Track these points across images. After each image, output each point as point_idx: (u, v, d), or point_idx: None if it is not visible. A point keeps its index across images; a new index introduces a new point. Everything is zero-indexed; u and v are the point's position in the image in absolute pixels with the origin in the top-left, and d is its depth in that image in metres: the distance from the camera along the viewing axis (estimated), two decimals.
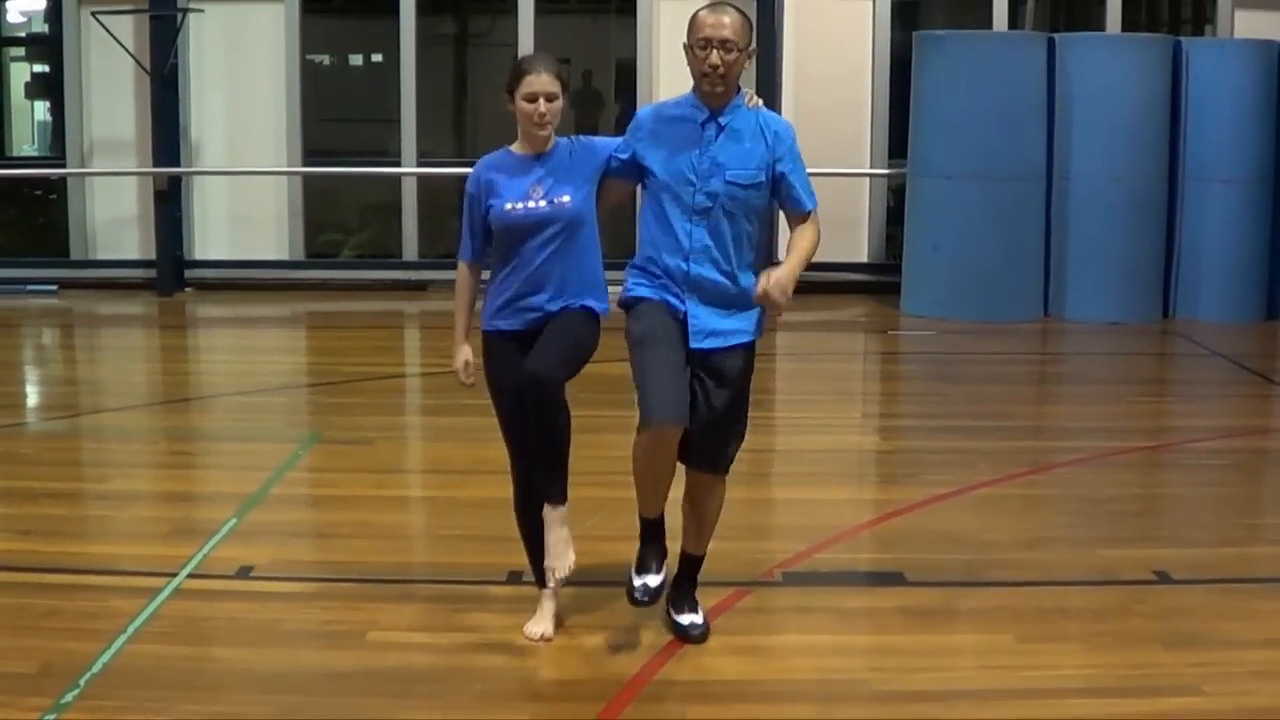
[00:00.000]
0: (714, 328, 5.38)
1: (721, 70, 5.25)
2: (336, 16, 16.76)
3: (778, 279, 5.09)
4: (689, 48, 5.32)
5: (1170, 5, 17.09)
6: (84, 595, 6.04)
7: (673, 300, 5.35)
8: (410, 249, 15.66)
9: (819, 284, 14.98)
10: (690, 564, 5.75)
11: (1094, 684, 5.25)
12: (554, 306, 5.38)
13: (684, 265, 5.32)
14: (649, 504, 5.48)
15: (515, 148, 5.52)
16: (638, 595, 5.49)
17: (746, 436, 5.66)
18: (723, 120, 5.33)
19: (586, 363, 5.42)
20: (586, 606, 6.00)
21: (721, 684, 5.29)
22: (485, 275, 5.63)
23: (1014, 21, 15.24)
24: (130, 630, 5.61)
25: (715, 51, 5.23)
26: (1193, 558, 6.72)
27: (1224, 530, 7.39)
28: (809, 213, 5.42)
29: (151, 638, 5.58)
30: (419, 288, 15.34)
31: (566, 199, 5.37)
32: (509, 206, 5.36)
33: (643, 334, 5.31)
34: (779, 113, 14.24)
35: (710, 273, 5.34)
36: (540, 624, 5.67)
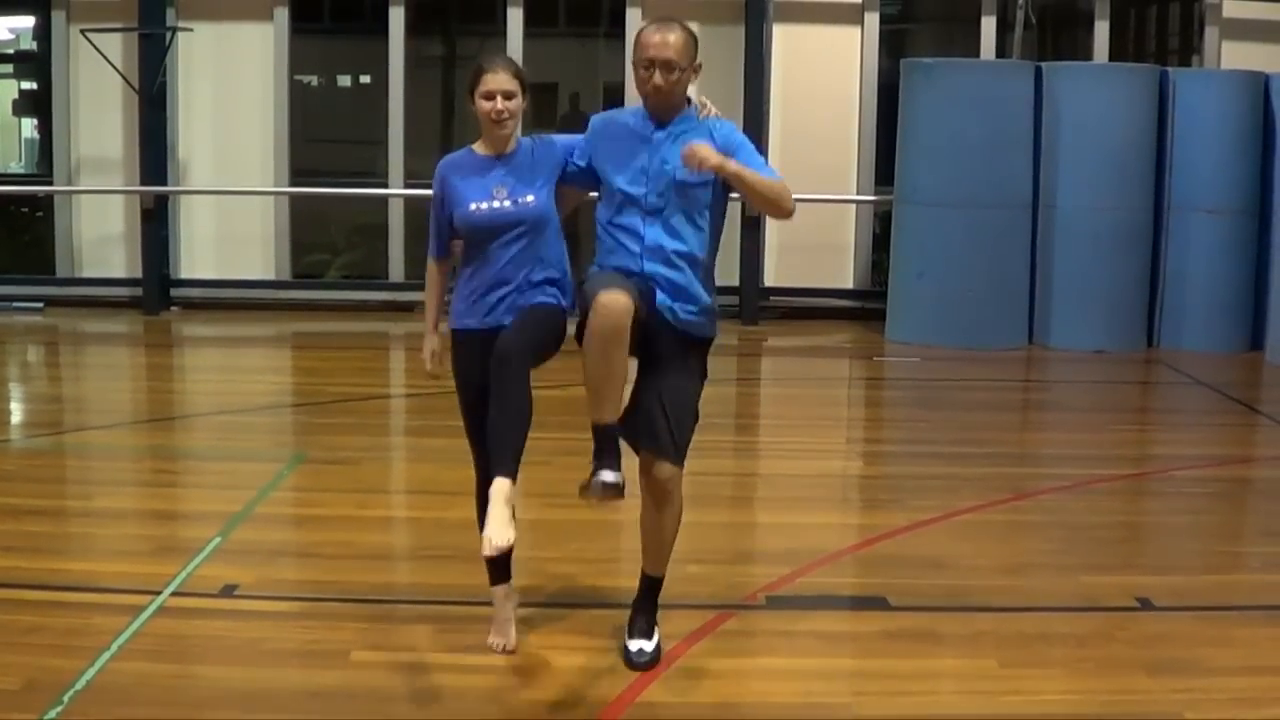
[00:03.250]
0: (671, 305, 5.39)
1: (664, 90, 5.32)
2: (325, 37, 16.78)
3: (709, 150, 5.12)
4: (635, 66, 5.37)
5: (1157, 35, 17.17)
6: (67, 612, 6.02)
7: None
8: (397, 270, 15.67)
9: (804, 309, 15.08)
10: (648, 586, 5.71)
11: (1076, 710, 5.27)
12: (520, 301, 5.41)
13: (639, 263, 5.38)
14: (602, 405, 5.24)
15: (477, 147, 5.56)
16: (593, 491, 5.24)
17: (696, 433, 5.55)
18: (673, 130, 5.40)
19: (553, 352, 5.42)
20: (569, 628, 6.02)
21: (704, 707, 5.29)
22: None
23: (1001, 50, 15.28)
24: (114, 648, 5.60)
25: (657, 72, 5.30)
26: (1175, 584, 6.74)
27: (1206, 558, 7.41)
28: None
29: (135, 655, 5.57)
30: (405, 309, 15.32)
31: (530, 199, 5.43)
32: (474, 207, 5.42)
33: (594, 278, 5.34)
34: (767, 138, 14.39)
35: (665, 270, 5.39)
36: (500, 635, 5.70)
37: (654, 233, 5.39)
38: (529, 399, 5.18)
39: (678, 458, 5.45)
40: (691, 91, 5.51)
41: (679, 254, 5.40)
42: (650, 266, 5.38)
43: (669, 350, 5.45)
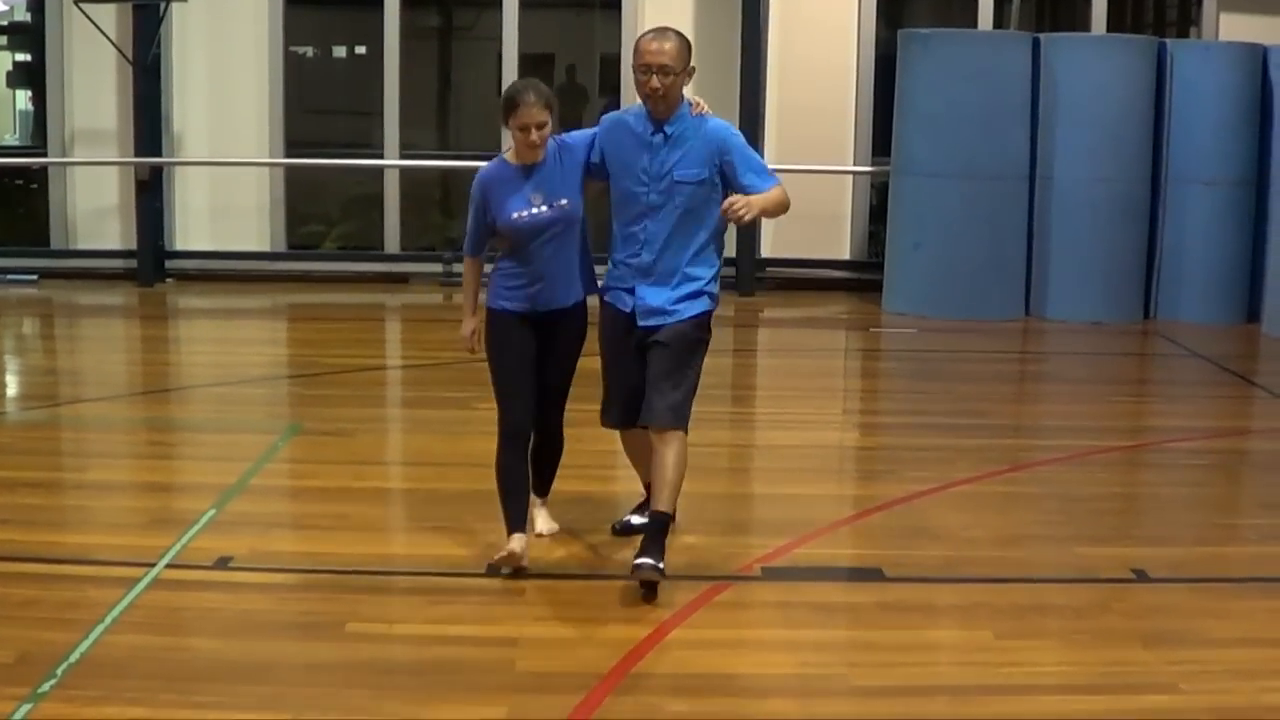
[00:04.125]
0: (658, 306, 6.15)
1: (661, 92, 6.02)
2: (320, 8, 16.69)
3: (749, 200, 5.90)
4: (634, 70, 6.09)
5: (1155, 7, 17.12)
6: (62, 585, 6.03)
7: (624, 298, 6.23)
8: (392, 242, 15.64)
9: (801, 280, 15.07)
10: (655, 520, 6.06)
11: (1071, 681, 5.26)
12: (556, 304, 6.26)
13: (639, 255, 6.17)
14: (641, 472, 6.64)
15: (510, 158, 6.24)
16: (616, 527, 6.74)
17: (694, 402, 6.24)
18: (669, 130, 6.12)
19: (580, 356, 6.41)
20: (565, 599, 6.02)
21: (699, 677, 5.28)
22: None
23: (999, 21, 15.25)
24: (108, 620, 5.59)
25: (655, 76, 6.01)
26: (1171, 556, 6.74)
27: (1202, 530, 7.41)
28: (769, 188, 6.10)
29: (129, 628, 5.56)
30: (400, 280, 15.33)
31: (565, 202, 6.17)
32: (516, 215, 6.14)
33: (603, 339, 6.36)
34: (764, 109, 14.38)
35: (664, 261, 6.15)
36: (509, 556, 6.17)
37: (656, 227, 6.13)
38: (563, 442, 6.65)
39: (678, 423, 6.10)
40: (686, 92, 6.20)
41: (680, 245, 6.14)
42: (649, 258, 6.14)
43: (667, 339, 6.14)
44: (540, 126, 6.01)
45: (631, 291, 6.20)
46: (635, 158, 6.13)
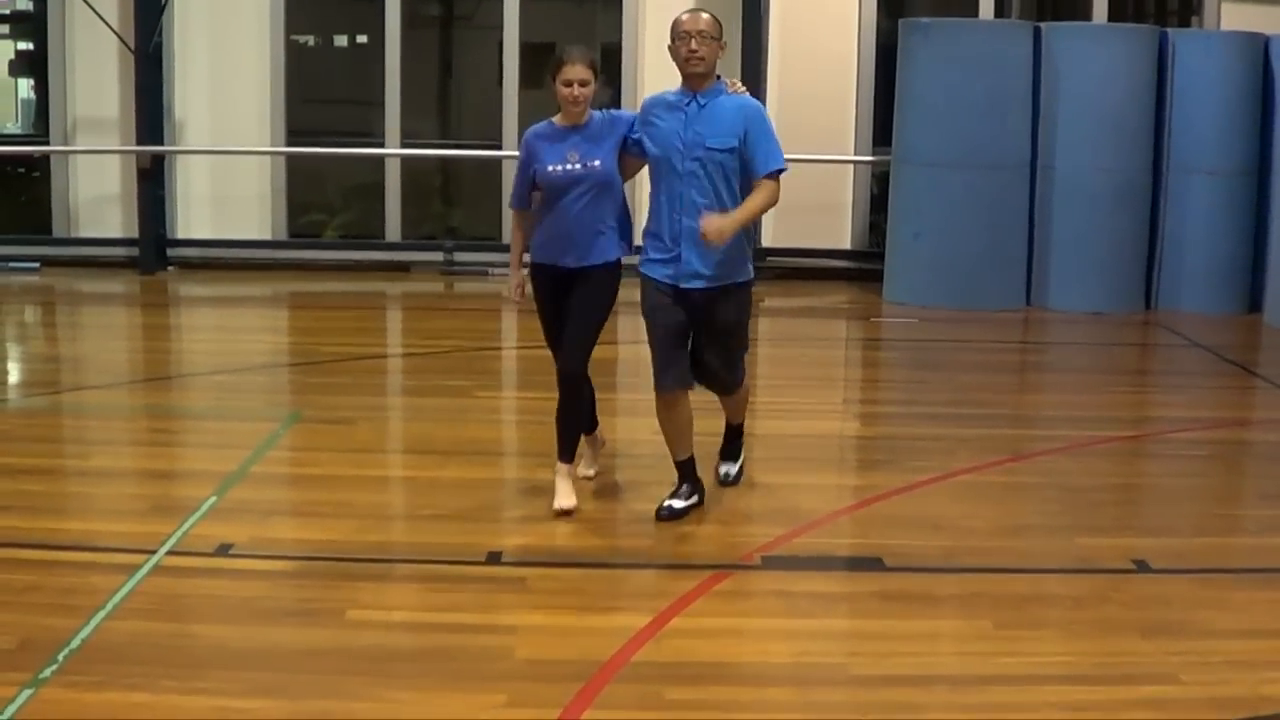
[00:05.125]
0: (700, 270, 6.53)
1: (700, 54, 6.41)
2: None
3: (719, 224, 6.28)
4: (672, 44, 6.50)
5: None
6: (63, 571, 6.04)
7: (663, 269, 6.60)
8: (393, 230, 15.64)
9: (802, 270, 15.07)
10: (731, 429, 7.35)
11: (1071, 671, 5.27)
12: (585, 262, 6.71)
13: (679, 220, 6.49)
14: (676, 449, 6.90)
15: (557, 120, 6.75)
16: (661, 513, 6.82)
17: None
18: (703, 100, 6.50)
19: (607, 318, 6.85)
20: (565, 588, 6.03)
21: (699, 666, 5.29)
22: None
23: (1000, 10, 15.23)
24: (109, 607, 5.60)
25: (694, 39, 6.41)
26: (1171, 547, 6.74)
27: (1202, 520, 7.41)
28: (767, 175, 6.49)
29: (130, 614, 5.57)
30: (401, 269, 15.33)
31: (597, 163, 6.63)
32: (551, 168, 6.64)
33: (649, 309, 6.67)
34: (764, 98, 14.35)
35: (697, 224, 6.35)
36: (562, 497, 6.85)
37: (691, 194, 6.47)
38: (590, 391, 7.08)
39: (738, 384, 7.03)
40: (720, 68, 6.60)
41: (713, 210, 6.39)
42: (687, 222, 6.44)
43: (715, 307, 6.61)
44: (583, 84, 6.55)
45: (671, 260, 6.57)
46: (672, 127, 6.51)
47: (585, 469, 7.38)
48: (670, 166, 6.51)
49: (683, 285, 6.56)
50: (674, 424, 6.79)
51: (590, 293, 6.74)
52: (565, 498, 6.85)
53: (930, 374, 10.98)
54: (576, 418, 6.94)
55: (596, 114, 6.72)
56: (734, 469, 7.39)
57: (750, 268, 6.77)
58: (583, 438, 7.17)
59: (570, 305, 6.76)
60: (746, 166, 6.50)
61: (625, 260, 6.84)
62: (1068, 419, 9.45)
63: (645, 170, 6.81)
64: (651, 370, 6.72)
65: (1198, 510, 7.63)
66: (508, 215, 9.45)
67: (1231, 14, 14.96)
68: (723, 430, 7.35)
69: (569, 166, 6.62)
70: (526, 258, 6.97)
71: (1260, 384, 10.98)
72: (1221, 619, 5.80)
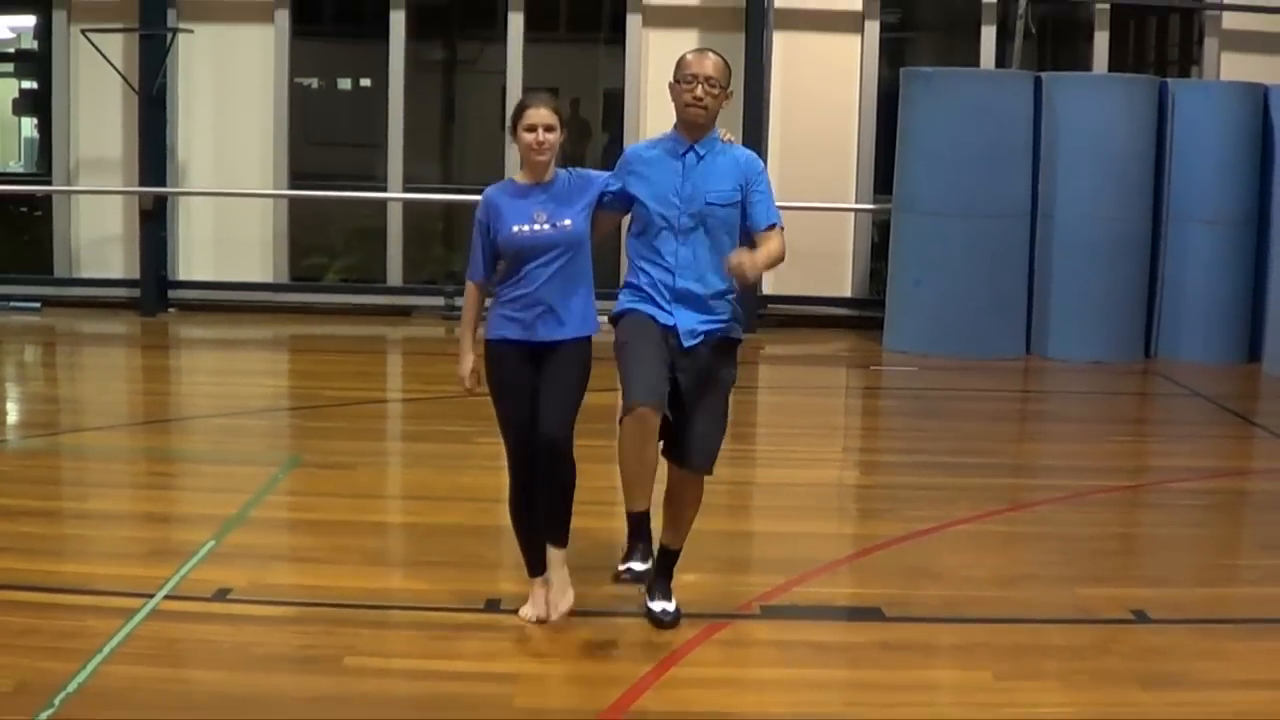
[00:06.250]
0: (697, 329, 5.90)
1: (704, 102, 5.85)
2: (326, 40, 16.77)
3: (752, 257, 5.68)
4: (675, 83, 5.94)
5: (1157, 46, 17.17)
6: (60, 614, 6.02)
7: (659, 313, 5.88)
8: (395, 274, 15.67)
9: (802, 317, 15.08)
10: (666, 556, 6.16)
11: None
12: (557, 335, 5.94)
13: (671, 280, 5.88)
14: (634, 496, 5.73)
15: (519, 177, 6.07)
16: (622, 575, 5.74)
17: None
18: (700, 150, 5.93)
19: (585, 389, 6.01)
20: (564, 636, 6.00)
21: (698, 715, 5.28)
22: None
23: (1001, 60, 15.30)
24: (106, 650, 5.58)
25: (700, 85, 5.85)
26: (1170, 597, 6.73)
27: (1202, 570, 7.40)
28: (770, 227, 5.91)
29: (127, 659, 5.56)
30: (403, 313, 15.34)
31: (568, 223, 5.94)
32: (516, 229, 5.91)
33: (628, 336, 5.86)
34: (766, 146, 14.39)
35: (694, 285, 5.88)
36: (534, 608, 6.09)
37: (686, 252, 5.88)
38: (573, 470, 5.96)
39: (708, 468, 6.07)
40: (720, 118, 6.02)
41: (711, 270, 5.87)
42: (682, 283, 5.86)
43: (700, 369, 5.93)
44: (549, 129, 5.89)
45: (657, 306, 5.89)
46: (667, 179, 5.90)
47: (533, 609, 6.18)
48: (666, 222, 5.87)
49: (685, 344, 5.86)
50: (638, 456, 5.63)
51: (566, 370, 5.94)
52: (536, 606, 6.13)
53: (930, 422, 10.98)
54: (556, 500, 5.98)
55: (562, 172, 6.04)
56: (672, 606, 6.15)
57: (741, 328, 6.16)
58: (551, 556, 6.05)
59: (541, 382, 5.95)
60: (743, 221, 5.95)
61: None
62: (1067, 468, 9.45)
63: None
64: (621, 395, 5.73)
65: (1197, 560, 7.62)
66: None
67: (1231, 64, 15.05)
68: (656, 550, 5.98)
69: (537, 227, 5.89)
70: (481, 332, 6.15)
71: (1259, 433, 10.98)
72: (1221, 669, 5.79)
